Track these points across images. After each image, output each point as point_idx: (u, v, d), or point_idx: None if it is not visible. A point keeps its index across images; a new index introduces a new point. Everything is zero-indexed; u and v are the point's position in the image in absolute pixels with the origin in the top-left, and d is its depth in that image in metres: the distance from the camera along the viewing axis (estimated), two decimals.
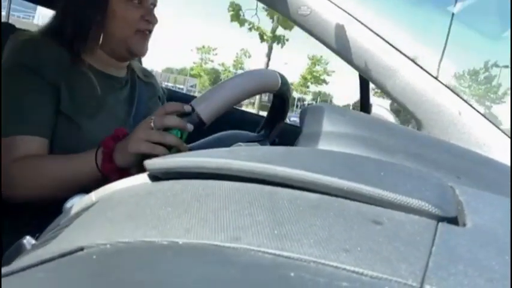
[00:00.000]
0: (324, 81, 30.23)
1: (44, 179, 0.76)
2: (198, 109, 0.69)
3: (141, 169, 0.68)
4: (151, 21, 0.93)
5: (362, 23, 0.85)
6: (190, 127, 0.69)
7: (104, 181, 0.73)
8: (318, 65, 30.10)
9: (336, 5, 0.86)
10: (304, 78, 30.26)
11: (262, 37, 18.60)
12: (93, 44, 0.89)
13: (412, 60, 0.84)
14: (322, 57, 29.86)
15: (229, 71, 30.36)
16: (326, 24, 0.85)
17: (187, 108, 0.70)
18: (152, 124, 0.70)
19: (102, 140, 0.75)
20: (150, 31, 0.94)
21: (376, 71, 0.83)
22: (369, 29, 0.85)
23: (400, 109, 0.86)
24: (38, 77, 0.82)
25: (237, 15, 16.84)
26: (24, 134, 0.79)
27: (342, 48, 0.85)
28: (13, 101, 0.80)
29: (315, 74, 29.64)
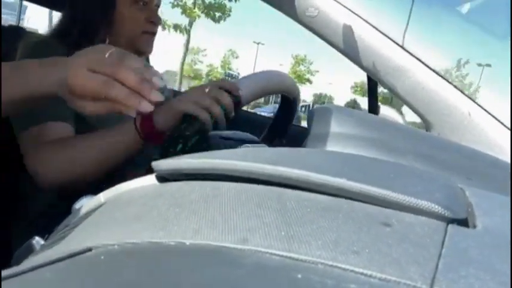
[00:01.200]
0: (308, 80, 30.20)
1: (82, 157, 0.73)
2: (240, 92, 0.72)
3: (176, 131, 0.67)
4: (156, 22, 0.94)
5: (370, 24, 0.85)
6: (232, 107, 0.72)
7: (141, 150, 0.71)
8: (302, 64, 30.09)
9: (343, 6, 0.85)
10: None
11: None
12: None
13: (421, 61, 0.83)
14: (306, 57, 29.91)
15: (218, 72, 30.32)
16: (334, 25, 0.85)
17: (239, 91, 0.72)
18: (207, 91, 0.70)
19: (141, 120, 0.73)
20: (154, 32, 0.95)
21: (384, 72, 0.82)
22: (377, 29, 0.84)
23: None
24: None
25: None
26: (53, 121, 0.78)
27: (350, 49, 0.84)
28: None
29: (298, 73, 29.58)
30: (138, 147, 0.73)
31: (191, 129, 0.67)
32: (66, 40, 0.87)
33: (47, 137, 0.75)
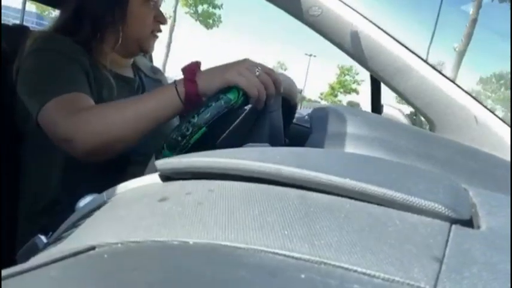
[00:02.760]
0: (354, 90, 30.50)
1: (120, 118, 0.71)
2: None
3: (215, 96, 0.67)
4: (163, 22, 0.94)
5: (374, 23, 0.85)
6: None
7: (182, 113, 0.72)
8: (348, 74, 30.41)
9: (347, 5, 0.85)
10: (332, 87, 30.59)
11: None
12: (109, 45, 0.90)
13: (425, 61, 0.83)
14: (352, 67, 30.17)
15: None
16: (337, 24, 0.84)
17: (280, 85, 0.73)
18: (257, 72, 0.70)
19: (185, 66, 0.73)
20: (160, 31, 0.96)
21: (388, 71, 0.82)
22: (381, 29, 0.84)
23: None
24: (73, 60, 0.82)
25: None
26: (78, 92, 0.77)
27: (353, 48, 0.84)
28: (52, 72, 0.79)
29: (344, 83, 29.97)
30: (177, 110, 0.72)
31: (238, 101, 0.68)
32: (74, 37, 0.87)
33: (73, 106, 0.74)
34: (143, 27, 0.91)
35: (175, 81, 0.72)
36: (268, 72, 0.71)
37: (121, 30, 0.89)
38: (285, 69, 32.68)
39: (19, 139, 0.88)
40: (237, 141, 0.72)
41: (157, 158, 0.58)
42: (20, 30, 0.99)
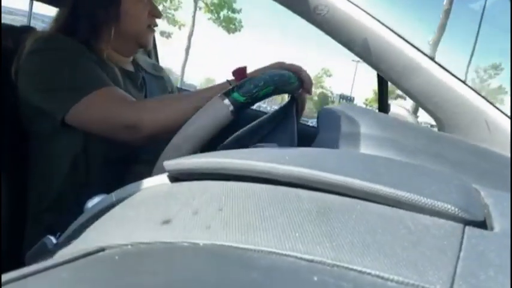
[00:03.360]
0: (402, 96, 30.48)
1: (183, 109, 0.75)
2: None
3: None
4: (157, 15, 0.95)
5: (381, 22, 0.84)
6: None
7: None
8: None
9: (353, 3, 0.85)
10: (376, 93, 30.67)
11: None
12: (105, 41, 0.90)
13: (432, 59, 0.82)
14: None
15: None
16: (344, 23, 0.84)
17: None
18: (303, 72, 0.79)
19: (235, 69, 0.81)
20: (156, 25, 0.97)
21: (395, 70, 0.82)
22: (388, 27, 0.83)
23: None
24: (85, 57, 0.83)
25: None
26: (111, 86, 0.80)
27: (360, 47, 0.84)
28: (71, 69, 0.80)
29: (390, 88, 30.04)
30: None
31: (293, 80, 0.72)
32: (73, 36, 0.87)
33: (122, 96, 0.79)
34: (139, 23, 0.92)
35: (228, 80, 0.81)
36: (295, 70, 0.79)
37: (113, 27, 0.89)
38: (330, 75, 32.85)
39: (24, 139, 0.88)
40: (255, 141, 0.74)
41: (225, 96, 0.58)
42: (26, 31, 1.00)
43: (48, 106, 0.78)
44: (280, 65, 0.81)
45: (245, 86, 0.62)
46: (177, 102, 0.78)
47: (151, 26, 0.96)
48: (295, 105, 0.82)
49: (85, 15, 0.88)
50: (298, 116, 0.92)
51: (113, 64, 0.91)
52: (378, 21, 0.85)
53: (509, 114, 0.76)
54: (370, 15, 0.86)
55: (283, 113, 0.80)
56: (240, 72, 0.80)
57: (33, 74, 0.80)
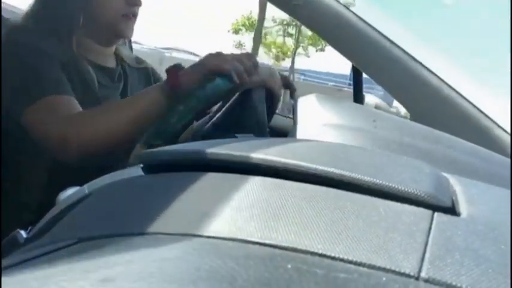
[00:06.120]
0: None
1: (115, 122, 0.73)
2: None
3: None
4: (137, 3, 0.92)
5: (356, 14, 0.85)
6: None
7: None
8: None
9: None
10: None
11: None
12: (75, 30, 0.88)
13: (406, 52, 0.84)
14: None
15: None
16: (320, 14, 0.84)
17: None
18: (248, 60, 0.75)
19: (168, 79, 0.76)
20: (135, 14, 0.94)
21: (370, 62, 0.83)
22: (364, 20, 0.85)
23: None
24: (52, 57, 0.80)
25: None
26: (64, 94, 0.77)
27: (336, 38, 0.85)
28: (31, 73, 0.78)
29: None
30: (164, 104, 0.74)
31: (222, 85, 0.72)
32: (41, 26, 0.85)
33: (63, 108, 0.75)
34: (111, 11, 0.89)
35: (160, 83, 0.77)
36: (245, 57, 0.76)
37: (82, 15, 0.87)
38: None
39: None
40: (221, 132, 0.73)
41: (144, 145, 0.58)
42: None
43: (10, 106, 0.76)
44: (210, 67, 0.75)
45: (160, 127, 0.64)
46: (108, 112, 0.75)
47: (129, 15, 0.93)
48: (263, 94, 0.81)
49: (51, 2, 0.86)
50: (274, 106, 0.92)
51: (83, 58, 0.89)
52: (354, 13, 0.86)
53: (509, 113, 0.78)
54: (347, 7, 0.86)
55: (242, 101, 0.79)
56: (173, 70, 0.77)
57: (1, 71, 0.77)
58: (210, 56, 0.77)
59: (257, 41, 15.24)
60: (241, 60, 0.75)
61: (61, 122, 0.73)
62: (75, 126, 0.72)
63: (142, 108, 0.74)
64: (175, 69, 0.77)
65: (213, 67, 0.74)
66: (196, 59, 0.84)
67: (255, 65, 0.77)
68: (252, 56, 0.78)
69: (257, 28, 15.54)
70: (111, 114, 0.74)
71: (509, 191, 0.28)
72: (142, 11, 0.94)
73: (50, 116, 0.74)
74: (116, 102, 0.78)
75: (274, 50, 19.68)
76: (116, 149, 0.73)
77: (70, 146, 0.72)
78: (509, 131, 0.76)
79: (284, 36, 19.53)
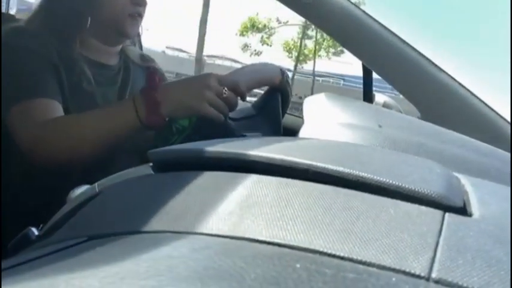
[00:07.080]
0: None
1: (83, 134, 0.72)
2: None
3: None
4: (141, 4, 0.92)
5: (365, 12, 0.84)
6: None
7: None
8: None
9: None
10: None
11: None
12: (81, 31, 0.88)
13: (416, 50, 0.83)
14: None
15: None
16: (330, 12, 0.84)
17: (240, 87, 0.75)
18: (224, 92, 0.72)
19: (142, 90, 0.73)
20: (141, 14, 0.94)
21: (379, 60, 0.82)
22: (373, 18, 0.84)
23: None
24: (44, 60, 0.80)
25: None
26: (44, 97, 0.77)
27: (345, 37, 0.84)
28: (18, 74, 0.78)
29: None
30: (135, 129, 0.73)
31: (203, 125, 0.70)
32: (48, 26, 0.85)
33: (38, 114, 0.75)
34: (116, 12, 0.89)
35: (133, 98, 0.73)
36: (234, 87, 0.73)
37: (90, 16, 0.87)
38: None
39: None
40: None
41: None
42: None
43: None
44: (193, 111, 0.72)
45: None
46: (84, 121, 0.74)
47: (135, 15, 0.93)
48: (279, 97, 0.81)
49: (60, 3, 0.86)
50: (285, 107, 0.92)
51: (84, 57, 0.89)
52: (363, 11, 0.85)
53: (509, 113, 0.77)
54: (357, 6, 0.86)
55: (264, 104, 0.79)
56: (151, 77, 0.76)
57: None
58: (200, 89, 0.72)
59: (201, 42, 15.07)
60: (232, 104, 0.73)
61: (33, 126, 0.73)
62: (46, 131, 0.72)
63: (119, 120, 0.73)
64: (153, 75, 0.76)
65: (203, 114, 0.70)
66: (238, 65, 0.83)
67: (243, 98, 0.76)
68: (243, 92, 0.75)
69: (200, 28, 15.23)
70: (86, 123, 0.73)
71: None
72: (180, 20, 0.94)
73: (25, 119, 0.74)
74: (95, 111, 0.76)
75: (294, 53, 19.61)
76: (88, 159, 0.72)
77: (39, 150, 0.72)
78: None
79: (303, 38, 19.47)
